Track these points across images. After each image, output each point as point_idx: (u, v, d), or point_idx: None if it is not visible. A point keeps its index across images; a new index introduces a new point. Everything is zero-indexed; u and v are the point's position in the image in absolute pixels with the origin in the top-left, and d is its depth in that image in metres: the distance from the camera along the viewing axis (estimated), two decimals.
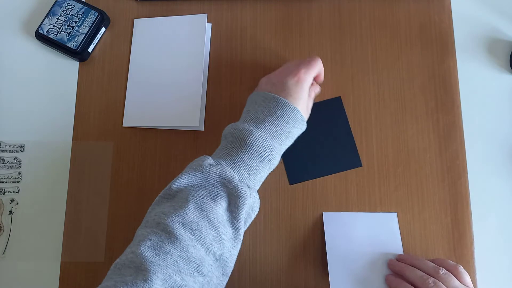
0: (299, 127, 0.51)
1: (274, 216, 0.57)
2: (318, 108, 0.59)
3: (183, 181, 0.46)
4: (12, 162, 0.60)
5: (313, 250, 0.55)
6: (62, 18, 0.61)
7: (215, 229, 0.44)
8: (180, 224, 0.42)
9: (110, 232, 0.57)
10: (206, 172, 0.46)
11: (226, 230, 0.44)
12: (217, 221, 0.44)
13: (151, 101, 0.60)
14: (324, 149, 0.58)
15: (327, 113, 0.60)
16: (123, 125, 0.60)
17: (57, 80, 0.62)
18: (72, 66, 0.63)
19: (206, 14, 0.63)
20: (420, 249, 0.55)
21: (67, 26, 0.61)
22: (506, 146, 0.59)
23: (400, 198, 0.57)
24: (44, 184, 0.59)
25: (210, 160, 0.47)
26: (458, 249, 0.55)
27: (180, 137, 0.60)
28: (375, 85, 0.60)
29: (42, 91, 0.62)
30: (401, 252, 0.54)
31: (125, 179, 0.59)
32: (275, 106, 0.49)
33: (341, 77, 0.61)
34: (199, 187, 0.45)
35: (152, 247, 0.41)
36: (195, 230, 0.43)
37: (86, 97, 0.61)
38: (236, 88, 0.61)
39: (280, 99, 0.49)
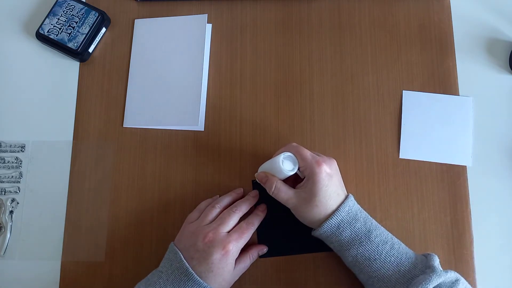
0: None
1: None
2: None
3: None
4: (12, 162, 0.60)
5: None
6: (63, 19, 0.61)
7: None
8: None
9: (110, 231, 0.57)
10: None
11: None
12: None
13: (151, 102, 0.61)
14: (300, 226, 0.53)
15: None
16: (123, 126, 0.60)
17: (57, 80, 0.62)
18: (72, 67, 0.63)
19: (206, 14, 0.63)
20: (419, 249, 0.55)
21: (68, 26, 0.61)
22: (506, 146, 0.59)
23: (399, 198, 0.57)
24: (45, 184, 0.59)
25: None
26: (458, 249, 0.55)
27: (180, 137, 0.60)
28: (375, 85, 0.60)
29: (42, 91, 0.62)
30: None
31: (125, 179, 0.59)
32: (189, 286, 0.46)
33: (341, 77, 0.61)
34: None
35: None
36: None
37: (87, 98, 0.62)
38: (236, 88, 0.61)
39: (197, 280, 0.46)
